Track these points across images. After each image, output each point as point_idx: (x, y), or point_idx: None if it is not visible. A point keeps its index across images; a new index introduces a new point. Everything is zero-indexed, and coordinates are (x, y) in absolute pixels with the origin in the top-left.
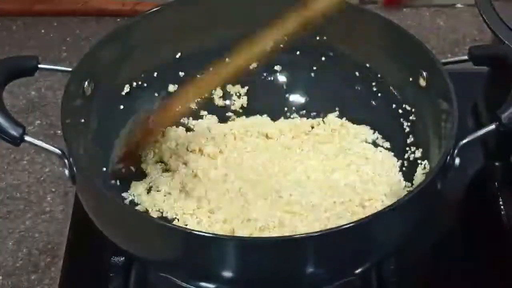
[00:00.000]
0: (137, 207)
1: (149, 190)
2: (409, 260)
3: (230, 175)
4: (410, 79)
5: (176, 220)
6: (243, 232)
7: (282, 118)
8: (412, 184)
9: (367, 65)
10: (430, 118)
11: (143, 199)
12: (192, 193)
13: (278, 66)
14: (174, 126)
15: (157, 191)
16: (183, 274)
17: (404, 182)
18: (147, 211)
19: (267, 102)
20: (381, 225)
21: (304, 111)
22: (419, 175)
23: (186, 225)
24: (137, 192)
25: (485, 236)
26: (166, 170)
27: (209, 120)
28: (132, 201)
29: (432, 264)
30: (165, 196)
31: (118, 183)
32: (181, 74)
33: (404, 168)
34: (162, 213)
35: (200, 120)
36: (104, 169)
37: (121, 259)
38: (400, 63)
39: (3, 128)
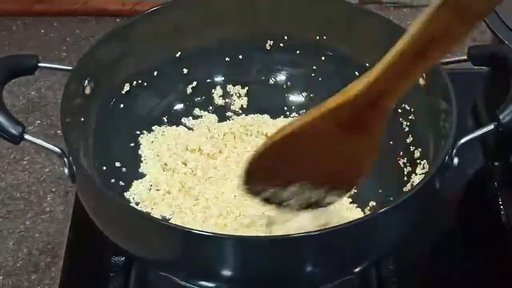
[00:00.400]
0: (138, 206)
1: (149, 190)
2: (408, 260)
3: (230, 175)
4: None
5: (172, 217)
6: (235, 226)
7: (282, 117)
8: (411, 184)
9: (367, 65)
10: (429, 117)
11: (143, 198)
12: (191, 191)
13: (278, 66)
14: (174, 126)
15: (157, 190)
16: (182, 273)
17: (403, 181)
18: (146, 210)
19: (267, 102)
20: (379, 224)
21: (304, 111)
22: (418, 175)
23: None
24: (137, 191)
25: (484, 236)
26: (166, 169)
27: (209, 119)
28: (132, 201)
29: (431, 264)
30: (164, 195)
31: (121, 182)
32: (185, 71)
33: (403, 168)
34: (161, 211)
35: (200, 119)
36: (104, 168)
37: (121, 259)
38: None
39: (3, 126)
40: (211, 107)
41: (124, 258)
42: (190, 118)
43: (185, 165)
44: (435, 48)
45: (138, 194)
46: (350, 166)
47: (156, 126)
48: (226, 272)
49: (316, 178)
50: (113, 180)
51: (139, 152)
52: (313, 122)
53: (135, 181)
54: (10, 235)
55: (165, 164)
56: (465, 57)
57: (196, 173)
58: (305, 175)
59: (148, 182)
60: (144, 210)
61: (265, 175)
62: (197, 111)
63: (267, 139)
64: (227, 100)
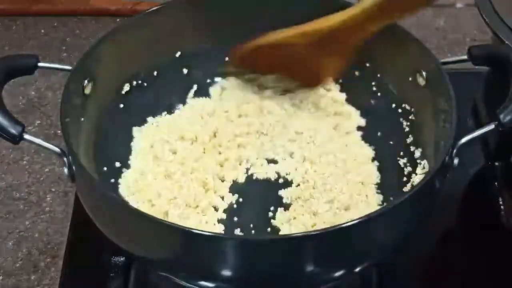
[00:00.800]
0: (127, 198)
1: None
2: (408, 260)
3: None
4: (410, 78)
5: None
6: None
7: None
8: (412, 184)
9: (367, 64)
10: (429, 117)
11: (130, 187)
12: (175, 178)
13: None
14: (166, 112)
15: (144, 178)
16: (182, 273)
17: (403, 181)
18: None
19: None
20: (379, 224)
21: None
22: (419, 175)
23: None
24: (125, 182)
25: (484, 236)
26: (157, 157)
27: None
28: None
29: (431, 264)
30: (151, 182)
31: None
32: (185, 71)
33: (403, 168)
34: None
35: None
36: (105, 168)
37: (121, 259)
38: (399, 62)
39: (2, 126)
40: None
41: (124, 258)
42: (181, 105)
43: (175, 154)
44: None
45: (127, 187)
46: (320, 69)
47: (150, 117)
48: (226, 272)
49: (291, 72)
50: (113, 180)
51: (131, 143)
52: (298, 39)
53: (125, 173)
54: (9, 235)
55: (156, 156)
56: (465, 57)
57: (184, 162)
58: (282, 69)
59: (138, 172)
60: (134, 202)
61: (251, 62)
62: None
63: (258, 39)
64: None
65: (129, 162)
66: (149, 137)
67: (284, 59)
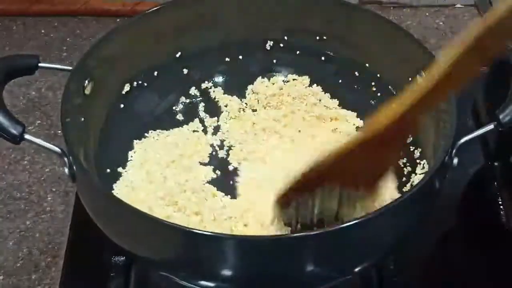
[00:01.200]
0: None
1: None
2: (408, 260)
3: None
4: (409, 78)
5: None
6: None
7: None
8: (411, 184)
9: (367, 65)
10: (429, 117)
11: (121, 193)
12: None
13: (278, 66)
14: (171, 129)
15: (131, 181)
16: (183, 273)
17: (403, 181)
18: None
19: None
20: (379, 224)
21: None
22: (418, 175)
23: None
24: (119, 188)
25: (484, 236)
26: (150, 174)
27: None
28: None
29: (431, 264)
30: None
31: None
32: (185, 71)
33: (403, 168)
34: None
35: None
36: (108, 170)
37: (122, 259)
38: (399, 62)
39: (3, 126)
40: (210, 107)
41: (124, 258)
42: (190, 119)
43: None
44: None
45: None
46: (376, 170)
47: (151, 131)
48: (226, 272)
49: (347, 180)
50: (114, 181)
51: (129, 153)
52: (361, 143)
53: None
54: (10, 235)
55: (147, 172)
56: None
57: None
58: (338, 178)
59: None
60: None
61: (303, 184)
62: (197, 112)
63: (316, 161)
64: (227, 101)
65: (123, 170)
66: (144, 153)
67: (344, 167)
